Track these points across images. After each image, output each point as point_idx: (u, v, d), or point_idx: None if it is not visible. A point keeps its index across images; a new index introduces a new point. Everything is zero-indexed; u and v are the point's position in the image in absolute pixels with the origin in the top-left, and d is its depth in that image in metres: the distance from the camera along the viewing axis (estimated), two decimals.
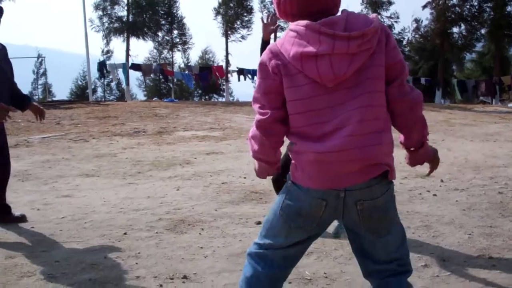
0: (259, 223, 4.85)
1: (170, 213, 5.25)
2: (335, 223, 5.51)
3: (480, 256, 3.96)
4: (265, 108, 2.13)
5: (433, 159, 2.42)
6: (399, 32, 41.61)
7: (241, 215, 5.19)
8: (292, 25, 2.08)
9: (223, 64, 35.95)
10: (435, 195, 6.01)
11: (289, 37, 2.06)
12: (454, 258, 3.89)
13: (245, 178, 6.88)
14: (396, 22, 41.07)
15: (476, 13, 37.28)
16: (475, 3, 37.39)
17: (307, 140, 2.07)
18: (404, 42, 42.49)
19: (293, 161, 2.16)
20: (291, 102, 2.07)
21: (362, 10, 41.13)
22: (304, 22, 2.03)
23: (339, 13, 2.09)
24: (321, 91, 2.03)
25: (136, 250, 4.10)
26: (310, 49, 1.98)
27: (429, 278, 3.53)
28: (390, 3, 40.77)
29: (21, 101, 5.08)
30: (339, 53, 1.97)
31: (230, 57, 35.52)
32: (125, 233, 4.58)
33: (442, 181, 6.78)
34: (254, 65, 25.45)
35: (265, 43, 4.34)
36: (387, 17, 41.11)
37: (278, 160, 2.32)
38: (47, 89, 45.40)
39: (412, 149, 2.39)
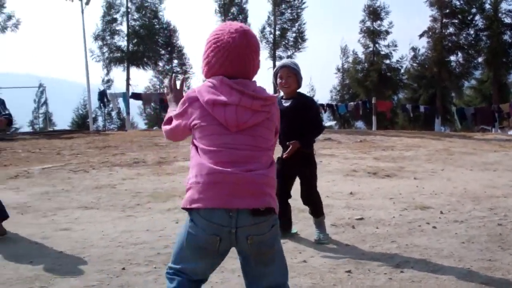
0: None
1: (169, 247, 5.23)
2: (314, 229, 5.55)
3: None
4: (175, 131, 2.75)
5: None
6: (397, 61, 41.88)
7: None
8: (210, 79, 2.61)
9: None
10: (434, 227, 6.01)
11: (206, 87, 2.56)
12: None
13: None
14: (394, 50, 41.41)
15: (472, 42, 37.64)
16: (471, 32, 37.77)
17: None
18: (402, 71, 42.73)
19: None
20: (200, 137, 2.56)
21: (360, 40, 41.52)
22: (220, 77, 2.57)
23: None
24: (225, 132, 2.51)
25: (134, 286, 4.09)
26: (222, 98, 2.50)
27: None
28: (388, 33, 41.20)
29: None
30: (244, 106, 2.50)
31: None
32: (123, 268, 4.57)
33: (441, 212, 6.78)
34: None
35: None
36: (385, 46, 41.46)
37: None
38: (47, 118, 45.50)
39: None
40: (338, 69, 47.37)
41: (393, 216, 6.55)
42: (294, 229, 5.85)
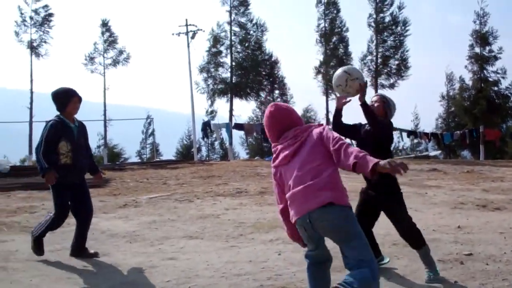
0: None
1: (272, 279, 5.26)
2: None
3: None
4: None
5: None
6: (507, 87, 40.10)
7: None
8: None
9: (324, 122, 36.13)
10: None
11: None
12: None
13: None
14: (503, 77, 39.72)
15: None
16: None
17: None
18: None
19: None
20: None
21: (467, 66, 40.14)
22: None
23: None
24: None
25: None
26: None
27: None
28: (496, 58, 39.61)
29: (93, 169, 6.73)
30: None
31: (330, 115, 35.67)
32: None
33: None
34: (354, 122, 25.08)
35: (337, 112, 5.47)
36: (493, 72, 39.89)
37: None
38: (154, 148, 47.22)
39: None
40: (443, 97, 46.01)
41: (504, 252, 6.23)
42: (386, 259, 5.72)
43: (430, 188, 13.14)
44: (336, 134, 3.84)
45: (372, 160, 3.48)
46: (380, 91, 36.11)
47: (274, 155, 4.00)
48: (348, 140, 4.27)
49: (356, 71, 5.41)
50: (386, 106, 5.62)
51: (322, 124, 4.09)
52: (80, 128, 6.41)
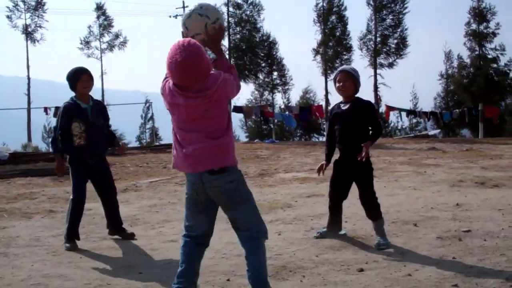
0: (361, 270, 4.80)
1: (272, 258, 5.30)
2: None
3: None
4: None
5: None
6: (505, 64, 39.94)
7: (342, 261, 5.15)
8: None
9: (323, 103, 36.09)
10: None
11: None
12: None
13: (346, 222, 6.81)
14: (501, 54, 39.56)
15: None
16: None
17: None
18: (511, 75, 40.71)
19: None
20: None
21: (465, 43, 39.93)
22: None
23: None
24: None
25: None
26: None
27: None
28: (495, 35, 39.39)
29: (113, 142, 6.75)
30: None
31: (329, 96, 35.64)
32: (228, 280, 4.68)
33: None
34: None
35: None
36: (492, 49, 39.72)
37: None
38: (154, 132, 47.19)
39: None
40: (442, 75, 45.80)
41: (502, 228, 6.26)
42: (343, 231, 6.19)
43: (429, 166, 13.17)
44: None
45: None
46: (379, 71, 36.04)
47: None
48: None
49: (213, 9, 4.09)
50: (357, 82, 5.80)
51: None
52: (95, 107, 6.34)
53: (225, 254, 5.58)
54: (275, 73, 42.03)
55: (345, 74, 5.79)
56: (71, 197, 6.22)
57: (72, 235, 6.15)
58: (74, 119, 6.12)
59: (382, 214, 5.88)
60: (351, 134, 5.73)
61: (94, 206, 8.12)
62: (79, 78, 6.18)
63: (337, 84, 5.80)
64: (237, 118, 38.32)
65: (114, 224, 6.57)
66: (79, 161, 6.17)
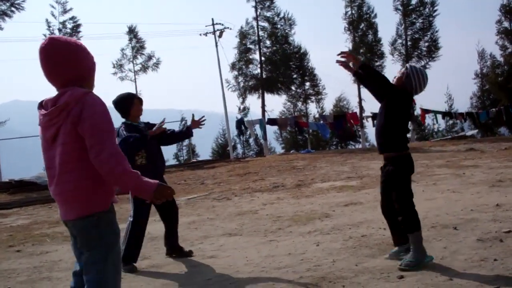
0: (401, 277, 4.77)
1: (311, 270, 5.30)
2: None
3: None
4: None
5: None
6: None
7: (382, 269, 5.12)
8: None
9: (357, 110, 35.90)
10: None
11: None
12: None
13: (385, 229, 6.76)
14: None
15: None
16: None
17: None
18: None
19: None
20: None
21: (497, 42, 39.25)
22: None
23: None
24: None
25: None
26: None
27: None
28: None
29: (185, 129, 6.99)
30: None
31: (363, 103, 35.42)
32: None
33: None
34: None
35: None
36: None
37: None
38: (191, 149, 47.60)
39: None
40: (477, 75, 45.17)
41: None
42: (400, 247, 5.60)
43: (468, 168, 12.99)
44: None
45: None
46: None
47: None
48: None
49: None
50: (406, 81, 5.37)
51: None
52: (147, 128, 6.39)
53: (265, 268, 5.60)
54: (307, 84, 41.98)
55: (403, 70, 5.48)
56: (130, 218, 6.27)
57: (128, 257, 6.06)
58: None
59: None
60: (380, 128, 5.51)
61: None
62: (132, 103, 6.30)
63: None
64: (271, 130, 38.40)
65: (175, 243, 6.67)
66: None
